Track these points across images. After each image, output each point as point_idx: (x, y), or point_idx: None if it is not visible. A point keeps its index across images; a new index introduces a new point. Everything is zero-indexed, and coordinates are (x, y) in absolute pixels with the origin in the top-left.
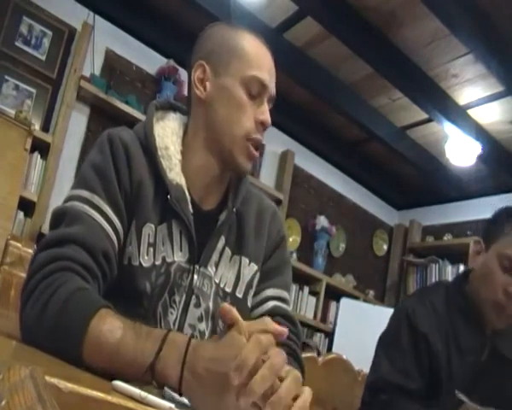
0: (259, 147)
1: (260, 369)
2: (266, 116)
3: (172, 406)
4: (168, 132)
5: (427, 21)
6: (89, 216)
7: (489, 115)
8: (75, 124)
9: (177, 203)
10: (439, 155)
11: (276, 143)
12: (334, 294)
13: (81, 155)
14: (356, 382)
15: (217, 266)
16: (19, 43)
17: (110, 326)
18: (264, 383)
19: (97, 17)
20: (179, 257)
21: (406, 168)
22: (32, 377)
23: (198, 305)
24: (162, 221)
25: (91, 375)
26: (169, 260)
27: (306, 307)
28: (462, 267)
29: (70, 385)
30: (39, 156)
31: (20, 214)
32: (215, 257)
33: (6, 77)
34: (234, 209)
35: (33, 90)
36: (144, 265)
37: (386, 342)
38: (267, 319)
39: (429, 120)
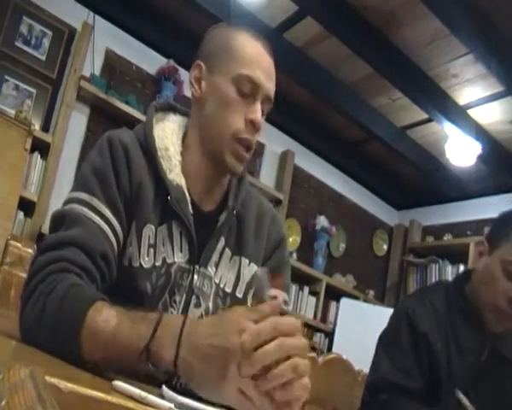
0: (251, 148)
1: (271, 343)
2: (256, 115)
3: (172, 406)
4: (168, 133)
5: (427, 21)
6: (88, 219)
7: (489, 115)
8: (75, 124)
9: (177, 204)
10: (439, 155)
11: (276, 143)
12: (334, 294)
13: (81, 155)
14: (356, 382)
15: (217, 266)
16: (19, 44)
17: (105, 316)
18: (271, 355)
19: (97, 17)
20: (179, 258)
21: (406, 168)
22: (32, 377)
23: (198, 305)
24: (162, 222)
25: (91, 375)
26: (169, 260)
27: (306, 307)
28: (462, 267)
29: (70, 385)
30: (39, 156)
31: (20, 214)
32: (215, 258)
33: (6, 77)
34: (234, 211)
35: (33, 90)
36: (145, 266)
37: (386, 342)
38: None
39: (429, 120)
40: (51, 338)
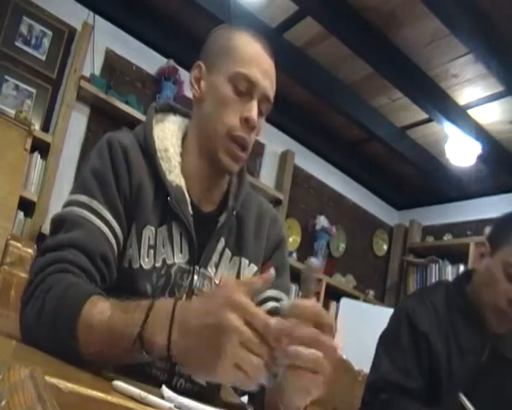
0: (245, 146)
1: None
2: (251, 113)
3: (172, 406)
4: (168, 134)
5: (427, 21)
6: (88, 221)
7: (489, 115)
8: (75, 124)
9: (177, 205)
10: (439, 155)
11: (276, 143)
12: (334, 294)
13: (81, 155)
14: (356, 382)
15: (217, 267)
16: (19, 43)
17: (100, 309)
18: (264, 319)
19: (97, 17)
20: (179, 259)
21: (406, 168)
22: (32, 377)
23: None
24: (162, 223)
25: (91, 375)
26: (169, 261)
27: None
28: (462, 267)
29: (70, 385)
30: (39, 156)
31: (20, 214)
32: (215, 258)
33: (6, 77)
34: (234, 212)
35: (33, 90)
36: (145, 267)
37: (387, 342)
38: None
39: (429, 120)
40: (50, 335)
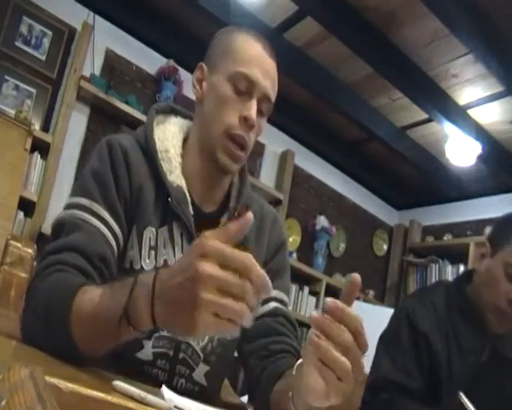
0: (244, 146)
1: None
2: (250, 112)
3: (172, 406)
4: (168, 136)
5: (427, 21)
6: (87, 223)
7: (489, 115)
8: (75, 124)
9: (178, 205)
10: (439, 155)
11: (276, 143)
12: (335, 294)
13: (81, 155)
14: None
15: None
16: (19, 43)
17: (90, 295)
18: (240, 256)
19: (97, 17)
20: None
21: (406, 168)
22: (32, 377)
23: None
24: (163, 224)
25: (91, 375)
26: (170, 262)
27: (306, 307)
28: (462, 267)
29: (70, 385)
30: (39, 156)
31: (20, 214)
32: None
33: (6, 77)
34: (235, 213)
35: (33, 90)
36: (146, 268)
37: (387, 342)
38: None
39: (429, 120)
40: (45, 325)
